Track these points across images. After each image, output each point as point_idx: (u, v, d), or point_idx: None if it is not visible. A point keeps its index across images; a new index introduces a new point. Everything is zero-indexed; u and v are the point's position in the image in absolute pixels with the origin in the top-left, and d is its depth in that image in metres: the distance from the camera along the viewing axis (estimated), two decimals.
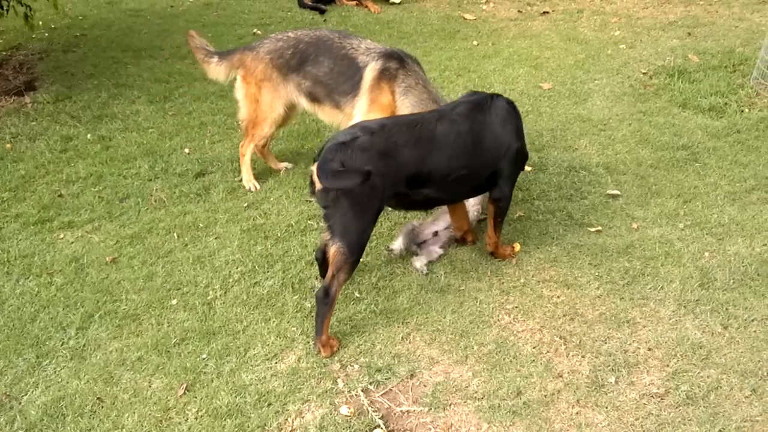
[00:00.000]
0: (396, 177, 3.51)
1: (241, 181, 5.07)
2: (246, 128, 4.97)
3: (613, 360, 3.39)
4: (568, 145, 5.49)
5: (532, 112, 6.12)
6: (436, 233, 4.28)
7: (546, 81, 6.80)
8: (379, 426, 3.08)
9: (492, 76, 6.97)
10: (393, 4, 9.71)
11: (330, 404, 3.20)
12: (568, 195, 4.79)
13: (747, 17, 8.43)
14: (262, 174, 5.20)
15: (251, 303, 3.86)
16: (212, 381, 3.34)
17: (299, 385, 3.31)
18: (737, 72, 6.67)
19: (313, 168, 3.45)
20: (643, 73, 6.87)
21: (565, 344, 3.51)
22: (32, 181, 5.17)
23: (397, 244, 4.18)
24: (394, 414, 3.17)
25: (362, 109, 4.52)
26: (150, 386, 3.34)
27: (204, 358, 3.48)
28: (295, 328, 3.66)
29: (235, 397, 3.24)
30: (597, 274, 4.00)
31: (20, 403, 3.26)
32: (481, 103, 3.83)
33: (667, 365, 3.36)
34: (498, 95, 3.93)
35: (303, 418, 3.14)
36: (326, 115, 4.81)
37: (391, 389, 3.30)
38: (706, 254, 4.12)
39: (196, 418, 3.15)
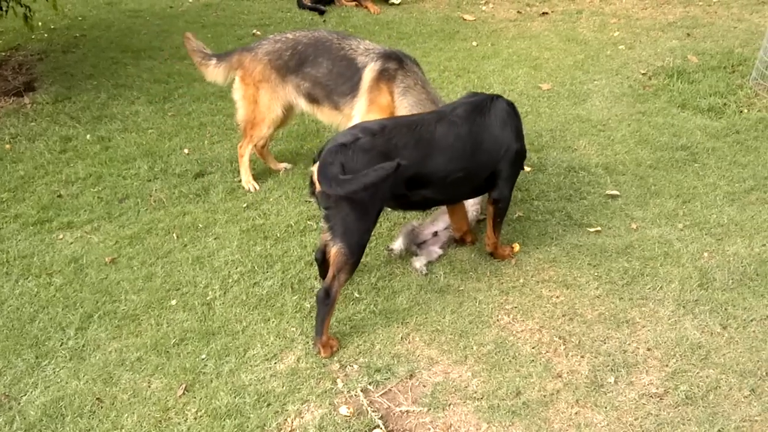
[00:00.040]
0: (396, 179, 3.50)
1: (240, 181, 5.07)
2: (244, 129, 4.97)
3: (613, 360, 3.40)
4: (567, 146, 5.49)
5: (532, 112, 6.12)
6: (435, 233, 4.28)
7: (545, 81, 6.80)
8: (378, 426, 3.08)
9: (491, 76, 6.97)
10: (392, 4, 9.72)
11: (329, 404, 3.20)
12: (568, 195, 4.80)
13: (746, 18, 8.44)
14: (261, 174, 5.20)
15: (250, 303, 3.86)
16: (211, 381, 3.34)
17: (298, 386, 3.31)
18: (736, 73, 6.68)
19: (313, 169, 3.45)
20: (642, 74, 6.88)
21: (564, 344, 3.51)
22: (31, 182, 5.17)
23: (397, 245, 4.18)
24: (394, 414, 3.17)
25: (361, 110, 4.52)
26: (149, 386, 3.34)
27: (203, 359, 3.48)
28: (294, 329, 3.66)
29: (235, 397, 3.24)
30: (596, 274, 4.00)
31: (19, 404, 3.26)
32: (480, 105, 3.84)
33: (667, 365, 3.36)
34: (498, 96, 3.93)
35: (302, 418, 3.14)
36: (325, 116, 4.81)
37: (390, 389, 3.30)
38: (705, 254, 4.12)
39: (195, 419, 3.15)
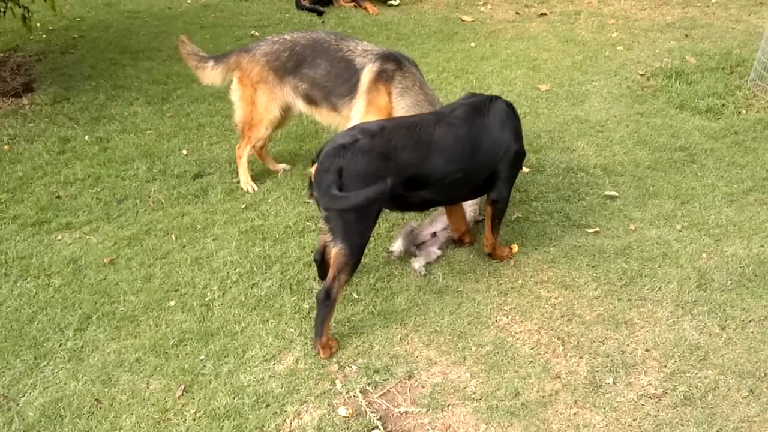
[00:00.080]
0: (395, 180, 3.50)
1: (239, 182, 5.07)
2: (242, 130, 4.97)
3: (611, 361, 3.40)
4: (565, 147, 5.50)
5: (530, 113, 6.13)
6: (434, 234, 4.29)
7: (544, 82, 6.81)
8: (377, 427, 3.08)
9: (490, 77, 6.97)
10: (391, 5, 9.72)
11: (328, 405, 3.20)
12: (566, 196, 4.80)
13: (744, 19, 8.45)
14: (260, 175, 5.20)
15: (249, 304, 3.86)
16: (210, 382, 3.34)
17: (297, 386, 3.31)
18: (734, 73, 6.69)
19: (312, 170, 3.45)
20: (641, 75, 6.88)
21: (563, 345, 3.52)
22: (30, 183, 5.17)
23: (397, 246, 4.18)
24: (392, 415, 3.17)
25: (359, 111, 4.52)
26: (148, 387, 3.34)
27: (202, 360, 3.48)
28: (293, 330, 3.66)
29: (233, 398, 3.24)
30: (595, 275, 4.00)
31: (18, 405, 3.26)
32: (480, 106, 3.84)
33: (665, 366, 3.36)
34: (497, 97, 3.93)
35: (301, 419, 3.14)
36: (323, 117, 4.81)
37: (389, 390, 3.30)
38: (704, 255, 4.13)
39: (194, 420, 3.15)
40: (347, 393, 3.27)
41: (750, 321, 3.62)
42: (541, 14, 9.16)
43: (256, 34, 8.44)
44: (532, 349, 3.50)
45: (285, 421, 3.13)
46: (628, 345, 3.50)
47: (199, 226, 4.58)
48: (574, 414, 3.12)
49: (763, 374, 3.29)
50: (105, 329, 3.72)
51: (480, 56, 7.64)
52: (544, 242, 4.32)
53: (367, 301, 3.86)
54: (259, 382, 3.33)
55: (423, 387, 3.31)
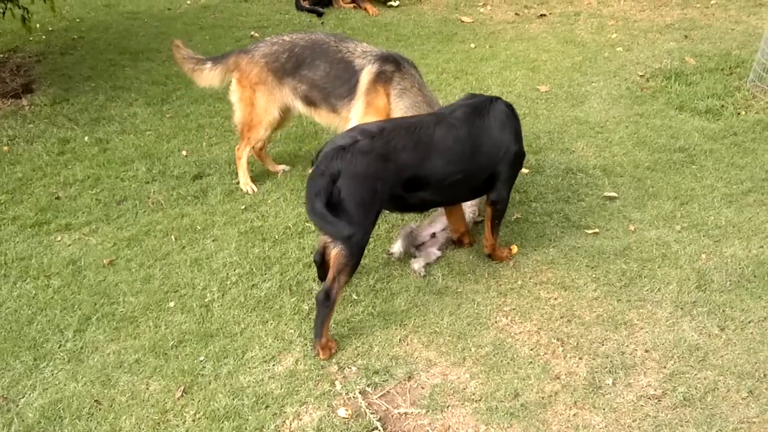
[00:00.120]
0: (394, 180, 3.51)
1: (238, 183, 5.07)
2: (241, 131, 4.97)
3: (611, 362, 3.40)
4: (565, 148, 5.50)
5: (530, 114, 6.13)
6: (433, 235, 4.29)
7: (543, 83, 6.81)
8: (376, 428, 3.08)
9: (489, 78, 6.98)
10: (390, 6, 9.72)
11: (328, 406, 3.20)
12: (566, 197, 4.80)
13: (743, 20, 8.45)
14: (259, 176, 5.20)
15: (249, 305, 3.86)
16: (210, 383, 3.34)
17: (297, 388, 3.31)
18: (734, 74, 6.69)
19: (312, 171, 3.46)
20: (640, 76, 6.89)
21: (562, 346, 3.52)
22: (29, 184, 5.17)
23: (397, 247, 4.18)
24: (392, 416, 3.17)
25: (358, 112, 4.52)
26: (147, 388, 3.34)
27: (201, 361, 3.48)
28: (292, 331, 3.66)
29: (233, 399, 3.24)
30: (594, 276, 4.00)
31: (17, 406, 3.26)
32: (479, 107, 3.84)
33: (665, 367, 3.36)
34: (497, 98, 3.93)
35: (301, 420, 3.14)
36: (322, 118, 4.81)
37: (388, 391, 3.30)
38: (703, 256, 4.13)
39: (193, 421, 3.15)
40: (347, 394, 3.27)
41: (749, 322, 3.62)
42: (541, 15, 9.17)
43: (256, 35, 8.45)
44: (531, 350, 3.50)
45: (285, 422, 3.13)
46: (627, 346, 3.50)
47: (198, 227, 4.58)
48: (574, 415, 3.12)
49: (762, 375, 3.29)
50: (104, 330, 3.72)
51: (479, 57, 7.65)
52: (544, 243, 4.32)
53: (366, 302, 3.87)
54: (258, 383, 3.33)
55: (423, 388, 3.31)
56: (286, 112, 4.92)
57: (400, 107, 4.41)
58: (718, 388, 3.23)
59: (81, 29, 8.90)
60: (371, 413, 3.16)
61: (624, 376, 3.32)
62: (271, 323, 3.72)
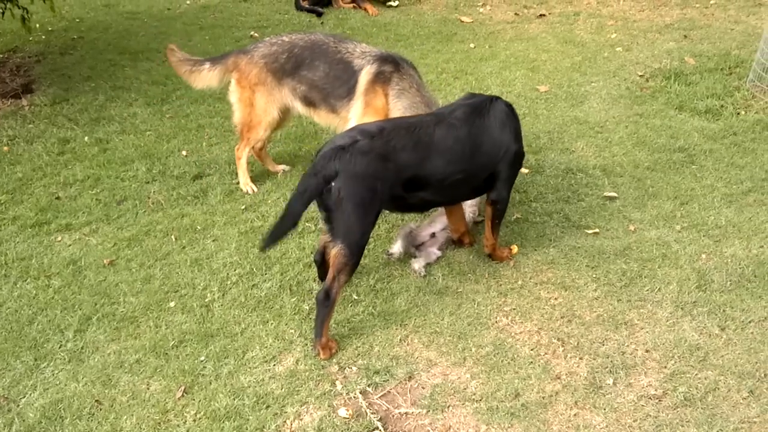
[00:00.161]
0: (394, 180, 3.51)
1: (238, 183, 5.07)
2: (241, 132, 4.97)
3: (611, 362, 3.40)
4: (565, 148, 5.50)
5: (529, 114, 6.13)
6: (433, 235, 4.28)
7: (543, 83, 6.81)
8: (377, 428, 3.09)
9: (489, 78, 6.98)
10: (390, 6, 9.72)
11: (328, 406, 3.20)
12: (565, 197, 4.80)
13: (743, 20, 8.46)
14: (259, 176, 5.20)
15: (249, 305, 3.86)
16: (210, 383, 3.34)
17: (297, 388, 3.31)
18: (733, 74, 6.69)
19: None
20: (640, 76, 6.89)
21: (562, 346, 3.52)
22: (29, 184, 5.17)
23: (396, 248, 4.18)
24: (393, 416, 3.17)
25: (357, 113, 4.52)
26: (148, 388, 3.34)
27: (202, 361, 3.48)
28: (293, 330, 3.66)
29: (234, 399, 3.24)
30: (594, 276, 4.01)
31: (18, 406, 3.26)
32: (479, 107, 3.84)
33: (665, 367, 3.36)
34: (496, 98, 3.93)
35: (301, 420, 3.14)
36: (322, 119, 4.81)
37: (389, 391, 3.30)
38: (703, 256, 4.13)
39: (194, 421, 3.15)
40: (347, 394, 3.27)
41: (750, 322, 3.62)
42: (540, 15, 9.17)
43: (256, 35, 8.45)
44: (532, 350, 3.50)
45: (285, 422, 3.13)
46: (628, 346, 3.50)
47: (198, 227, 4.58)
48: (575, 415, 3.13)
49: (763, 375, 3.29)
50: (105, 330, 3.72)
51: (479, 57, 7.65)
52: (544, 243, 4.32)
53: (367, 302, 3.87)
54: (259, 383, 3.33)
55: (423, 388, 3.31)
56: (285, 113, 4.92)
57: (399, 107, 4.41)
58: (718, 388, 3.23)
59: (81, 29, 8.90)
60: (372, 413, 3.16)
61: (624, 376, 3.32)
62: (272, 323, 3.72)
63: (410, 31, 8.65)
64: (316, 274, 3.96)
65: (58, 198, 4.98)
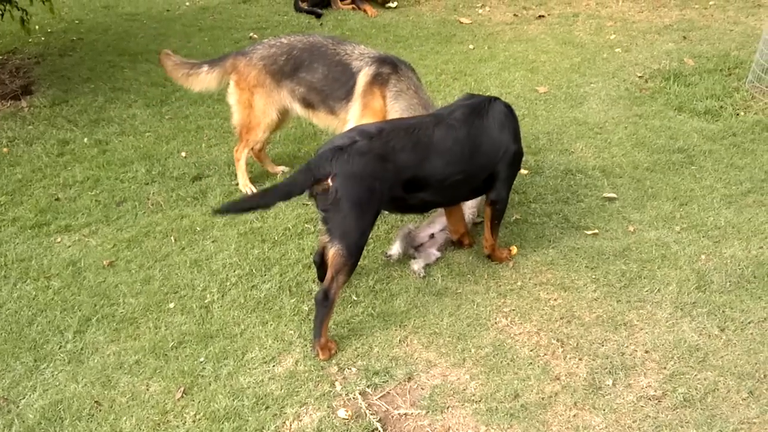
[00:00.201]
0: (393, 181, 3.51)
1: (237, 184, 5.07)
2: (240, 133, 4.97)
3: (611, 362, 3.40)
4: (564, 149, 5.50)
5: (529, 115, 6.13)
6: (432, 236, 4.28)
7: (542, 84, 6.82)
8: (376, 429, 3.08)
9: (488, 79, 6.98)
10: (389, 8, 9.73)
11: (328, 407, 3.20)
12: (565, 198, 4.81)
13: (742, 21, 8.46)
14: (258, 177, 5.20)
15: (248, 306, 3.86)
16: (210, 384, 3.34)
17: (297, 389, 3.31)
18: (732, 75, 6.70)
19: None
20: (639, 77, 6.89)
21: (562, 347, 3.52)
22: (29, 185, 5.17)
23: (395, 249, 4.18)
24: (392, 417, 3.17)
25: (355, 114, 4.53)
26: (148, 389, 3.34)
27: (201, 362, 3.48)
28: (292, 332, 3.66)
29: (233, 400, 3.24)
30: (594, 276, 4.01)
31: (18, 407, 3.26)
32: (478, 107, 3.84)
33: (665, 368, 3.36)
34: (495, 98, 3.94)
35: (301, 421, 3.14)
36: (320, 120, 4.82)
37: (388, 392, 3.30)
38: (703, 257, 4.13)
39: (193, 422, 3.15)
40: (347, 395, 3.27)
41: (749, 322, 3.62)
42: (539, 16, 9.18)
43: (255, 36, 8.45)
44: (531, 350, 3.50)
45: (285, 423, 3.13)
46: (627, 347, 3.50)
47: (198, 228, 4.58)
48: (574, 416, 3.13)
49: (762, 376, 3.29)
50: (104, 331, 3.72)
51: (478, 58, 7.65)
52: (543, 244, 4.32)
53: (366, 303, 3.87)
54: (258, 384, 3.33)
55: (422, 389, 3.31)
56: (284, 114, 4.92)
57: (396, 109, 4.41)
58: (718, 389, 3.23)
59: (80, 31, 8.90)
60: (371, 414, 3.16)
61: (624, 377, 3.32)
62: (271, 324, 3.72)
63: (409, 33, 8.66)
64: (316, 275, 3.96)
65: (57, 199, 4.98)
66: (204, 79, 4.92)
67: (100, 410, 3.23)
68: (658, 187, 4.91)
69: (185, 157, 5.55)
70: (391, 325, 3.70)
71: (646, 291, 3.88)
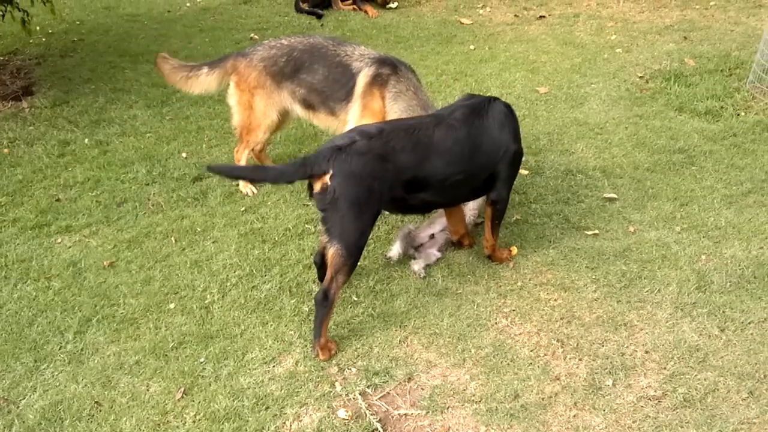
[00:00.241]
0: (393, 181, 3.51)
1: (238, 185, 5.07)
2: (240, 134, 4.98)
3: (611, 363, 3.40)
4: (564, 149, 5.50)
5: (529, 116, 6.13)
6: (432, 236, 4.28)
7: (543, 85, 6.82)
8: (376, 429, 3.09)
9: (489, 80, 6.98)
10: (390, 8, 9.74)
11: (328, 408, 3.20)
12: (565, 198, 4.80)
13: (743, 21, 8.46)
14: None
15: (249, 307, 3.86)
16: (210, 385, 3.34)
17: (297, 389, 3.31)
18: (733, 76, 6.69)
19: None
20: (640, 77, 6.89)
21: (562, 347, 3.52)
22: (30, 186, 5.17)
23: (395, 251, 4.17)
24: (392, 417, 3.17)
25: (355, 115, 4.53)
26: (148, 390, 3.34)
27: (202, 362, 3.48)
28: (292, 332, 3.67)
29: (233, 400, 3.24)
30: (594, 277, 4.01)
31: (18, 407, 3.26)
32: (478, 107, 3.85)
33: (665, 368, 3.36)
34: (495, 98, 3.94)
35: (301, 421, 3.14)
36: (321, 121, 4.82)
37: (388, 392, 3.30)
38: (703, 257, 4.13)
39: (194, 422, 3.15)
40: (347, 395, 3.27)
41: (749, 323, 3.62)
42: (540, 17, 9.18)
43: (255, 37, 8.46)
44: (531, 351, 3.50)
45: (285, 423, 3.13)
46: (627, 347, 3.50)
47: (198, 229, 4.59)
48: (574, 416, 3.12)
49: (762, 376, 3.29)
50: (105, 332, 3.72)
51: (479, 59, 7.65)
52: (544, 244, 4.32)
53: (366, 303, 3.87)
54: (258, 385, 3.33)
55: (423, 389, 3.31)
56: (284, 115, 4.93)
57: (395, 110, 4.41)
58: (718, 389, 3.23)
59: (81, 32, 8.91)
60: (371, 414, 3.16)
61: (624, 377, 3.32)
62: (271, 325, 3.72)
63: (410, 33, 8.66)
64: (316, 276, 3.96)
65: (58, 200, 4.98)
66: (204, 81, 4.92)
67: (100, 411, 3.23)
68: (658, 187, 4.91)
69: (186, 157, 5.55)
70: (391, 325, 3.70)
71: (647, 291, 3.88)
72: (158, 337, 3.66)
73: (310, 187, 3.47)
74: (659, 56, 7.41)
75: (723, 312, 3.69)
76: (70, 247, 4.46)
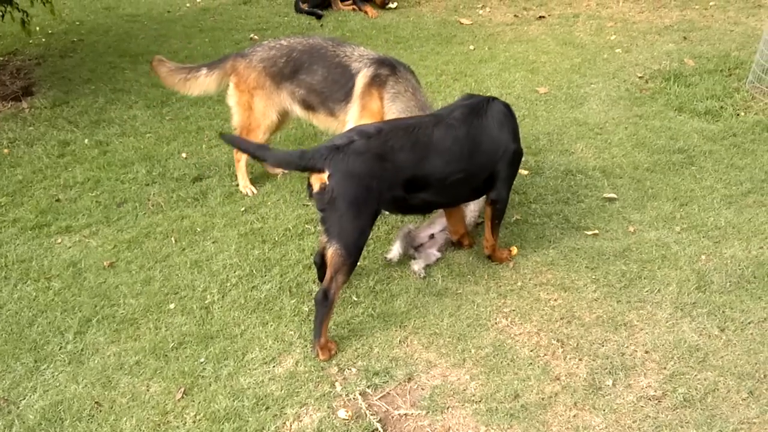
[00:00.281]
0: (392, 181, 3.51)
1: (238, 185, 5.07)
2: (240, 135, 4.96)
3: (611, 363, 3.40)
4: (564, 149, 5.50)
5: (529, 116, 6.13)
6: (432, 236, 4.28)
7: (542, 85, 6.82)
8: (377, 429, 3.09)
9: (488, 80, 6.98)
10: (389, 8, 9.74)
11: (328, 408, 3.20)
12: (565, 198, 4.81)
13: (742, 21, 8.46)
14: (259, 178, 5.21)
15: (249, 307, 3.86)
16: (210, 385, 3.34)
17: (297, 389, 3.31)
18: (733, 76, 6.70)
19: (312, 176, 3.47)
20: (639, 77, 6.89)
21: (562, 347, 3.52)
22: (30, 186, 5.17)
23: (395, 251, 4.17)
24: (392, 417, 3.17)
25: (354, 116, 4.53)
26: (148, 390, 3.34)
27: (202, 362, 3.48)
28: (292, 332, 3.67)
29: (233, 400, 3.24)
30: (594, 277, 4.01)
31: (18, 408, 3.26)
32: (477, 107, 3.85)
33: (665, 368, 3.36)
34: (494, 98, 3.94)
35: (301, 421, 3.14)
36: (320, 122, 4.82)
37: (388, 393, 3.30)
38: (703, 257, 4.13)
39: (194, 422, 3.15)
40: (347, 395, 3.27)
41: (749, 323, 3.62)
42: (540, 17, 9.18)
43: (255, 37, 8.46)
44: (531, 351, 3.50)
45: (285, 423, 3.13)
46: (627, 347, 3.50)
47: (198, 229, 4.59)
48: (574, 416, 3.13)
49: (762, 376, 3.29)
50: (105, 332, 3.72)
51: (479, 59, 7.66)
52: (543, 244, 4.33)
53: (366, 303, 3.87)
54: (258, 385, 3.33)
55: (423, 389, 3.31)
56: (284, 116, 4.93)
57: (393, 111, 4.42)
58: (718, 389, 3.23)
59: (81, 32, 8.91)
60: (371, 414, 3.16)
61: (624, 377, 3.32)
62: (271, 325, 3.72)
63: (410, 33, 8.66)
64: (316, 276, 3.96)
65: (58, 200, 4.98)
66: (203, 82, 4.92)
67: (100, 411, 3.23)
68: (658, 187, 4.91)
69: (186, 158, 5.55)
70: (391, 325, 3.70)
71: (647, 291, 3.88)
72: (158, 337, 3.66)
73: (310, 187, 3.48)
74: (659, 56, 7.41)
75: (723, 312, 3.70)
76: (70, 247, 4.46)
